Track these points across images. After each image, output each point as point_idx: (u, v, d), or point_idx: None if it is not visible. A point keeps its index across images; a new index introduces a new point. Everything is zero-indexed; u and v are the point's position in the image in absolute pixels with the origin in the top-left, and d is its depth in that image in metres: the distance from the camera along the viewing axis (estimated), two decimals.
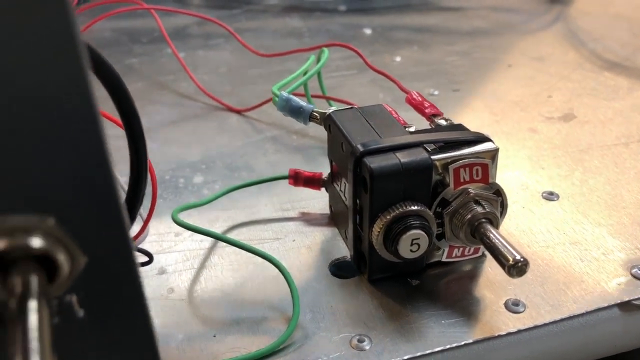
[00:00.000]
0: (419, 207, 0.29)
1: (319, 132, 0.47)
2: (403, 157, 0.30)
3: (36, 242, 0.17)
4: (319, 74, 0.46)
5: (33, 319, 0.16)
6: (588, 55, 0.59)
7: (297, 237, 0.36)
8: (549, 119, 0.47)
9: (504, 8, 0.73)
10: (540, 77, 0.54)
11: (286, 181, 0.38)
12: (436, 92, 0.52)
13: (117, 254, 0.18)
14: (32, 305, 0.17)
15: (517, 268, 0.27)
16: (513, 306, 0.30)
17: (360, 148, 0.30)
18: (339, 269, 0.34)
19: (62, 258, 0.17)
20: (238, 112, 0.50)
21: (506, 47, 0.62)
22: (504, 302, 0.31)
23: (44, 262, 0.17)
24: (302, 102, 0.36)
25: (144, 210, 0.32)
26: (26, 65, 0.15)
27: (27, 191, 0.17)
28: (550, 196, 0.38)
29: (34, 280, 0.17)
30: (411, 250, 0.29)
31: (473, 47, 0.62)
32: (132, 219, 0.27)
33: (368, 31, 0.67)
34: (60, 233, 0.17)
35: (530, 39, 0.64)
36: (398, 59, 0.60)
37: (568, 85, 0.53)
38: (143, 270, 0.32)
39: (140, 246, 0.32)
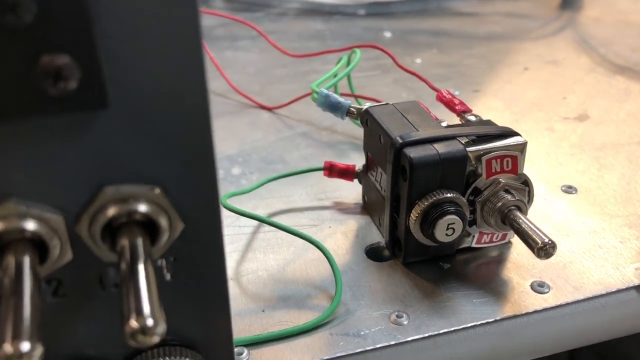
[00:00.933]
0: (454, 195, 0.32)
1: (347, 128, 0.49)
2: (440, 148, 0.32)
3: (142, 207, 0.19)
4: (349, 77, 0.48)
5: (142, 277, 0.19)
6: (600, 60, 0.61)
7: (332, 224, 0.39)
8: (565, 119, 0.50)
9: (517, 14, 0.76)
10: (555, 80, 0.57)
11: (319, 173, 0.41)
12: (457, 93, 0.55)
13: (208, 222, 0.21)
14: (141, 265, 0.19)
15: (545, 250, 0.30)
16: (538, 287, 0.33)
17: (400, 140, 0.33)
18: (374, 253, 0.36)
19: (163, 224, 0.20)
20: (269, 109, 0.53)
21: (521, 51, 0.65)
22: (529, 283, 0.33)
23: (148, 228, 0.20)
24: (340, 99, 0.38)
25: None
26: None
27: (140, 163, 0.19)
28: (569, 189, 0.41)
29: (140, 242, 0.19)
30: (446, 234, 0.32)
31: (489, 51, 0.65)
32: None
33: (388, 34, 0.70)
34: (164, 201, 0.20)
35: (543, 44, 0.67)
36: (418, 60, 0.62)
37: (582, 88, 0.55)
38: None
39: None
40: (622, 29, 0.69)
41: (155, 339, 0.18)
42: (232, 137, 0.49)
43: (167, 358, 0.23)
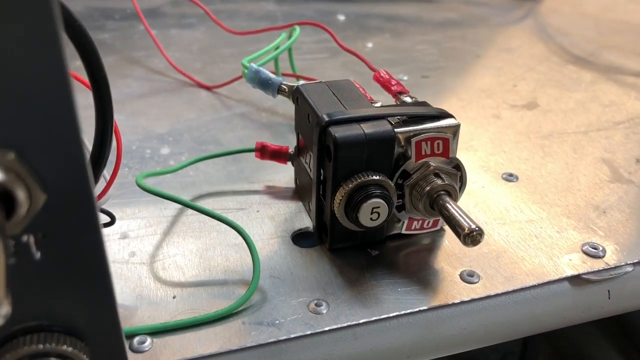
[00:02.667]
0: (380, 177, 0.30)
1: (288, 109, 0.47)
2: (367, 128, 0.30)
3: None
4: (290, 52, 0.46)
5: None
6: (555, 49, 0.60)
7: (261, 208, 0.36)
8: (513, 107, 0.49)
9: (476, 2, 0.75)
10: (508, 68, 0.56)
11: (252, 155, 0.39)
12: (405, 78, 0.53)
13: (78, 194, 0.19)
14: None
15: (472, 237, 0.28)
16: (468, 277, 0.31)
17: (326, 118, 0.31)
18: (301, 238, 0.34)
19: (20, 194, 0.18)
20: (208, 88, 0.51)
21: (476, 38, 0.63)
22: (459, 273, 0.31)
23: (2, 198, 0.18)
24: (271, 75, 0.36)
25: (108, 173, 0.32)
26: None
27: None
28: (509, 177, 0.39)
29: None
30: (371, 219, 0.30)
31: (444, 38, 0.63)
32: (96, 178, 0.27)
33: (341, 17, 0.68)
34: (20, 168, 0.17)
35: (500, 32, 0.65)
36: (370, 45, 0.60)
37: (534, 76, 0.54)
38: (104, 233, 0.33)
39: (102, 207, 0.32)
40: (579, 20, 0.68)
41: None
42: (165, 116, 0.46)
43: (41, 345, 0.21)
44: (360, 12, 0.69)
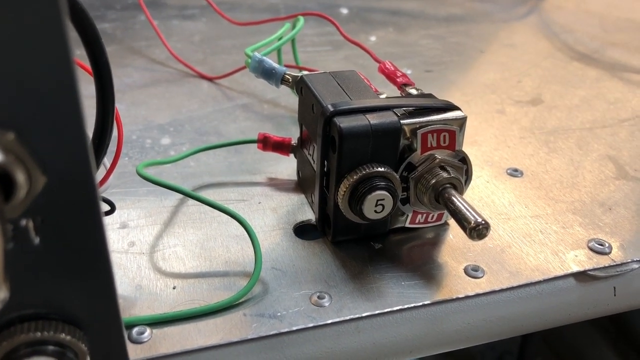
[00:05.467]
0: (385, 169, 0.30)
1: (291, 101, 0.47)
2: (373, 119, 0.30)
3: None
4: (293, 44, 0.46)
5: None
6: (560, 45, 0.60)
7: (262, 199, 0.36)
8: (517, 102, 0.48)
9: None
10: (512, 64, 0.55)
11: (254, 146, 0.38)
12: (409, 72, 0.52)
13: (79, 178, 0.18)
14: None
15: (477, 230, 0.27)
16: (472, 271, 0.31)
17: (331, 108, 0.30)
18: (303, 231, 0.34)
19: (20, 176, 0.17)
20: (210, 79, 0.50)
21: (480, 34, 0.63)
22: (463, 267, 0.31)
23: (1, 180, 0.17)
24: (275, 64, 0.36)
25: (108, 161, 0.31)
26: None
27: None
28: (514, 172, 0.39)
29: None
30: (375, 211, 0.30)
31: (448, 33, 0.63)
32: (96, 166, 0.27)
33: (345, 11, 0.67)
34: (20, 149, 0.17)
35: (504, 28, 0.65)
36: (373, 38, 0.60)
37: (538, 72, 0.54)
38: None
39: (102, 195, 0.31)
40: (584, 17, 0.68)
41: None
42: (166, 106, 0.46)
43: (38, 333, 0.20)
44: (363, 6, 0.69)
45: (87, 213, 0.19)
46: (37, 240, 0.19)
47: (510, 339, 0.32)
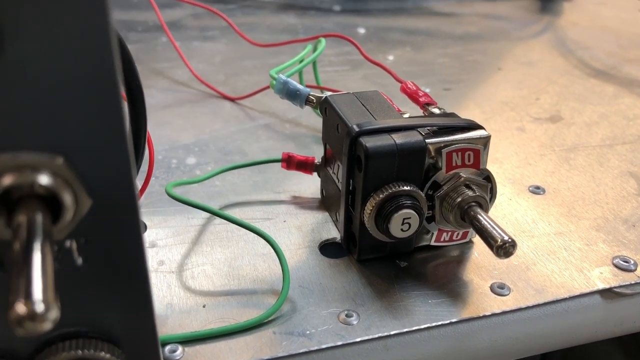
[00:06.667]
0: (411, 188, 0.30)
1: (312, 121, 0.47)
2: (398, 138, 0.30)
3: (44, 179, 0.17)
4: (314, 64, 0.46)
5: (37, 258, 0.16)
6: (576, 62, 0.60)
7: (287, 218, 0.36)
8: (536, 120, 0.48)
9: (496, 16, 0.75)
10: (529, 81, 0.56)
11: (278, 165, 0.39)
12: (427, 90, 0.53)
13: (122, 200, 0.19)
14: (37, 245, 0.17)
15: (504, 249, 0.28)
16: (498, 289, 0.31)
17: (356, 128, 0.31)
18: (328, 249, 0.34)
19: (67, 199, 0.18)
20: (232, 100, 0.51)
21: (497, 52, 0.63)
22: (489, 285, 0.31)
23: (49, 203, 0.18)
24: (299, 86, 0.36)
25: (139, 182, 0.32)
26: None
27: (38, 129, 0.17)
28: (536, 190, 0.39)
29: (39, 219, 0.17)
30: (402, 230, 0.30)
31: (465, 51, 0.63)
32: None
33: (362, 31, 0.68)
34: (68, 173, 0.17)
35: (520, 46, 0.65)
36: (391, 57, 0.61)
37: (556, 89, 0.54)
38: None
39: None
40: (600, 34, 0.68)
41: (47, 326, 0.16)
42: (190, 127, 0.46)
43: (79, 351, 0.21)
44: (380, 25, 0.70)
45: (129, 233, 0.20)
46: (80, 260, 0.20)
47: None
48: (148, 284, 0.21)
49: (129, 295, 0.21)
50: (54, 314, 0.16)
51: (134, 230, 0.19)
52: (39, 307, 0.16)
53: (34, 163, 0.17)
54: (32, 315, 0.15)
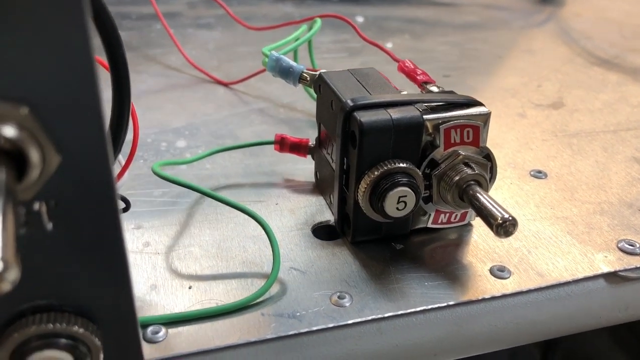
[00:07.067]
0: (407, 165, 0.29)
1: (307, 106, 0.46)
2: (394, 113, 0.29)
3: (8, 131, 0.16)
4: (310, 47, 0.45)
5: None
6: (579, 51, 0.59)
7: (280, 200, 0.35)
8: (538, 106, 0.47)
9: (497, 6, 0.73)
10: (531, 69, 0.54)
11: (271, 148, 0.37)
12: None
13: (95, 159, 0.17)
14: None
15: (504, 227, 0.26)
16: (498, 272, 0.30)
17: (350, 103, 0.29)
18: (322, 231, 0.33)
19: (33, 154, 0.16)
20: (225, 84, 0.50)
21: (498, 40, 0.62)
22: (489, 268, 0.30)
23: (14, 158, 0.16)
24: (293, 62, 0.35)
25: (123, 158, 0.31)
26: None
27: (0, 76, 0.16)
28: (538, 174, 0.38)
29: (2, 175, 0.16)
30: (398, 209, 0.29)
31: (465, 39, 0.62)
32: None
33: (360, 19, 0.67)
34: (34, 125, 0.16)
35: (522, 35, 0.64)
36: (389, 45, 0.59)
37: (558, 77, 0.53)
38: None
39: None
40: (602, 24, 0.67)
41: (5, 287, 0.14)
42: (182, 111, 0.45)
43: (50, 325, 0.20)
44: (378, 14, 0.69)
45: (103, 197, 0.18)
46: (50, 225, 0.18)
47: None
48: (124, 253, 0.20)
49: (104, 266, 0.20)
50: (13, 274, 0.14)
51: (108, 193, 0.18)
52: None
53: None
54: None
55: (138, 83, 0.49)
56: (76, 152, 0.17)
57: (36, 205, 0.18)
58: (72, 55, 0.16)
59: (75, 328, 0.20)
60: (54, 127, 0.16)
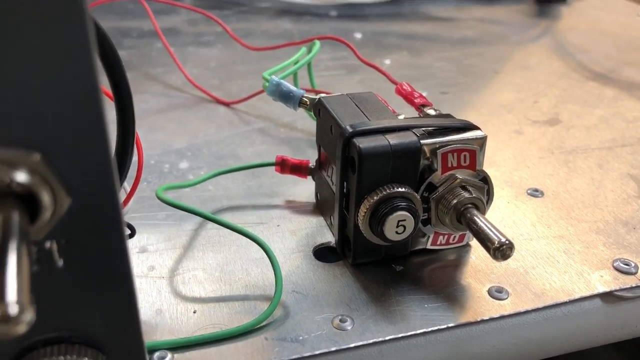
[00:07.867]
0: (406, 189, 0.29)
1: (307, 125, 0.47)
2: (392, 139, 0.30)
3: (20, 176, 0.16)
4: (309, 67, 0.46)
5: (12, 259, 0.16)
6: (575, 66, 0.59)
7: (281, 222, 0.36)
8: (534, 122, 0.48)
9: (493, 20, 0.74)
10: (527, 84, 0.55)
11: (272, 169, 0.38)
12: (425, 93, 0.52)
13: (103, 199, 0.18)
14: (13, 245, 0.16)
15: (501, 251, 0.27)
16: (496, 293, 0.30)
17: (350, 129, 0.30)
18: (323, 253, 0.34)
19: (45, 197, 0.17)
20: (226, 104, 0.50)
21: (494, 56, 0.63)
22: (487, 289, 0.30)
23: (27, 202, 0.17)
24: (293, 87, 0.36)
25: (128, 185, 0.31)
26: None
27: (14, 124, 0.16)
28: (535, 193, 0.38)
29: (16, 218, 0.16)
30: (397, 232, 0.29)
31: (462, 55, 0.63)
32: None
33: (358, 35, 0.67)
34: (45, 170, 0.17)
35: (518, 50, 0.65)
36: (387, 61, 0.60)
37: (554, 92, 0.53)
38: None
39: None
40: (598, 38, 0.68)
41: (21, 329, 0.15)
42: (183, 131, 0.46)
43: (61, 357, 0.20)
44: (376, 30, 0.69)
45: (111, 235, 0.19)
46: (60, 262, 0.19)
47: None
48: (132, 286, 0.20)
49: (112, 299, 0.20)
50: (29, 316, 0.15)
51: (116, 230, 0.19)
52: (13, 309, 0.15)
53: (10, 159, 0.16)
54: (6, 318, 0.15)
55: (140, 102, 0.50)
56: (85, 193, 0.18)
57: (47, 244, 0.19)
58: (80, 101, 0.17)
59: (86, 359, 0.20)
60: (64, 170, 0.17)
